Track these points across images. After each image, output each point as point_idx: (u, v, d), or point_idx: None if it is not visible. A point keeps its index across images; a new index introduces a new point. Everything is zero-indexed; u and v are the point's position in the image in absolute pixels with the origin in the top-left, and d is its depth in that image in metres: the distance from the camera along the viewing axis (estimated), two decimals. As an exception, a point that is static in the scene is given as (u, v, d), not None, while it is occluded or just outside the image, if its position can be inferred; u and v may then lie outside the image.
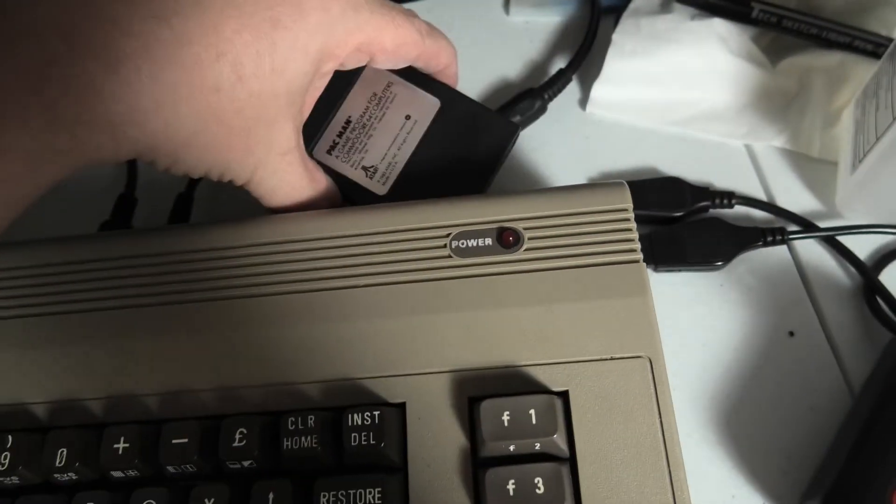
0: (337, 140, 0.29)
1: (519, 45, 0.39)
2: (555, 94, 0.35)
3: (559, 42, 0.39)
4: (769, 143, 0.33)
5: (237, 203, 0.34)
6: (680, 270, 0.29)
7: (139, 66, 0.18)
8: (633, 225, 0.23)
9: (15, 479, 0.21)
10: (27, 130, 0.17)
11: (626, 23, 0.35)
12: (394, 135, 0.29)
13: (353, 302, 0.23)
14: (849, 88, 0.32)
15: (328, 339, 0.22)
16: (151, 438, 0.21)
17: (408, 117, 0.29)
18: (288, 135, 0.23)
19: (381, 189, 0.28)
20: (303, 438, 0.20)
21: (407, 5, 0.40)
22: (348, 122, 0.29)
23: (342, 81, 0.29)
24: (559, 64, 0.38)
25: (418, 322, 0.22)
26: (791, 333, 0.28)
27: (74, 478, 0.21)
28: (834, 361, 0.27)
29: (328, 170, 0.28)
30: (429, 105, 0.29)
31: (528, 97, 0.34)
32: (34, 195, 0.18)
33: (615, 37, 0.34)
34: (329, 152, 0.29)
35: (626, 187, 0.24)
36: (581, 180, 0.33)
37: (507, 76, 0.38)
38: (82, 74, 0.18)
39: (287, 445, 0.20)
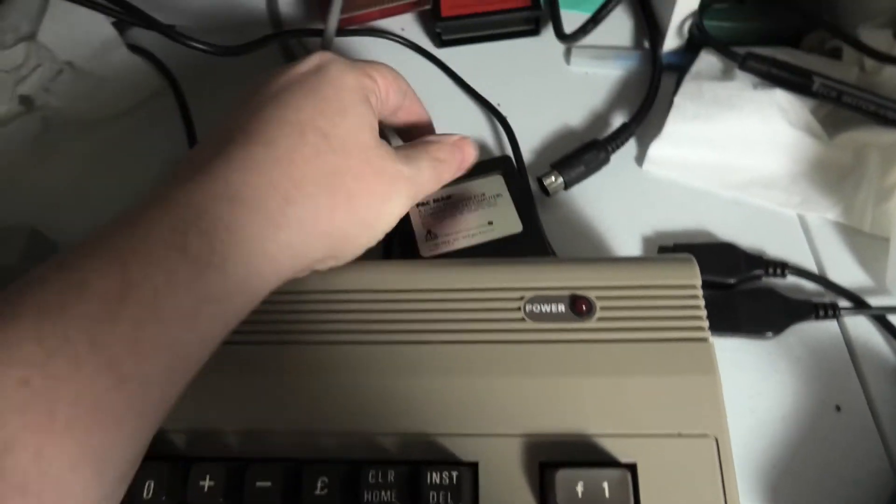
0: (432, 201, 0.33)
1: (579, 95, 0.40)
2: (617, 147, 0.36)
3: (618, 95, 0.40)
4: (822, 214, 0.33)
5: None
6: (731, 336, 0.30)
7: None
8: (702, 302, 0.24)
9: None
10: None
11: (688, 86, 0.36)
12: (470, 227, 0.32)
13: (431, 358, 0.24)
14: (904, 166, 0.33)
15: (405, 393, 0.23)
16: (236, 478, 0.22)
17: (490, 223, 0.32)
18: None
19: (426, 252, 0.31)
20: (382, 492, 0.21)
21: (475, 53, 0.42)
22: (450, 196, 0.33)
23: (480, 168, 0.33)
24: (618, 116, 0.39)
25: (493, 384, 0.23)
26: (838, 408, 0.29)
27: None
28: (878, 439, 0.28)
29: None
30: (511, 224, 0.32)
31: (593, 148, 0.35)
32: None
33: (677, 99, 0.35)
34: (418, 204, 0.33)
35: (694, 263, 0.25)
36: (636, 237, 0.34)
37: (569, 125, 0.39)
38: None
39: (367, 498, 0.21)
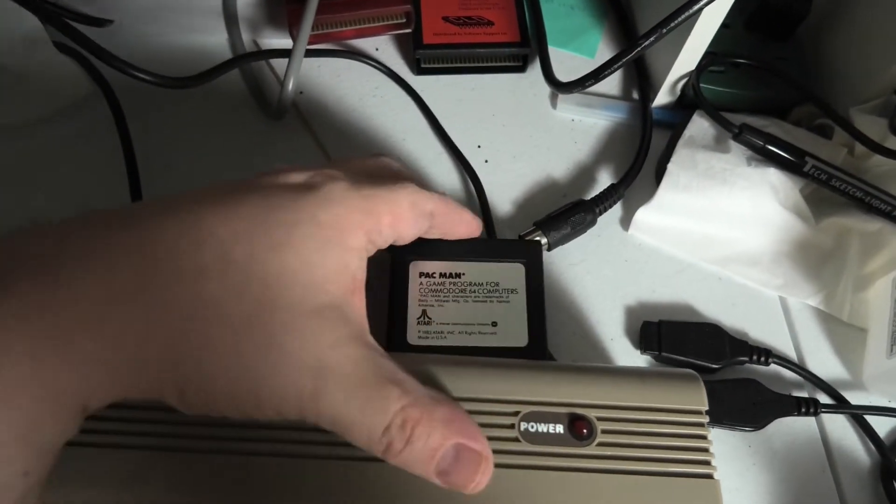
0: (438, 274, 0.30)
1: (564, 143, 0.38)
2: (605, 210, 0.34)
3: (605, 147, 0.38)
4: (804, 300, 0.33)
5: None
6: (713, 426, 0.29)
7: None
8: (709, 431, 0.22)
9: None
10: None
11: (681, 153, 0.34)
12: (471, 322, 0.29)
13: (409, 480, 0.21)
14: (883, 256, 0.33)
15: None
16: None
17: (494, 324, 0.28)
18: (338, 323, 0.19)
19: (413, 338, 0.28)
20: None
21: (454, 84, 0.38)
22: (460, 275, 0.29)
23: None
24: (603, 171, 0.37)
25: (483, 516, 0.21)
26: (812, 510, 0.29)
27: None
28: (850, 545, 0.28)
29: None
30: (516, 334, 0.28)
31: (580, 209, 0.33)
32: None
33: (671, 167, 0.34)
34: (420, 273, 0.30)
35: (701, 385, 0.23)
36: (618, 306, 0.33)
37: (551, 175, 0.37)
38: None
39: None
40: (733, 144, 0.34)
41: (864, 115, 0.34)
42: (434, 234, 0.26)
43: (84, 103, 0.36)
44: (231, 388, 0.18)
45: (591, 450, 0.22)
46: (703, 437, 0.22)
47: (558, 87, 0.37)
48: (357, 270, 0.20)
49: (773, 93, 0.36)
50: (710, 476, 0.22)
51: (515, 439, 0.22)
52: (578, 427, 0.22)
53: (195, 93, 0.36)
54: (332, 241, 0.19)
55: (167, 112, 0.37)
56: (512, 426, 0.22)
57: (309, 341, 0.18)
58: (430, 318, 0.29)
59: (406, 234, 0.23)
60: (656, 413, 0.23)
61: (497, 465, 0.22)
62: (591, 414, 0.22)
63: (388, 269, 0.30)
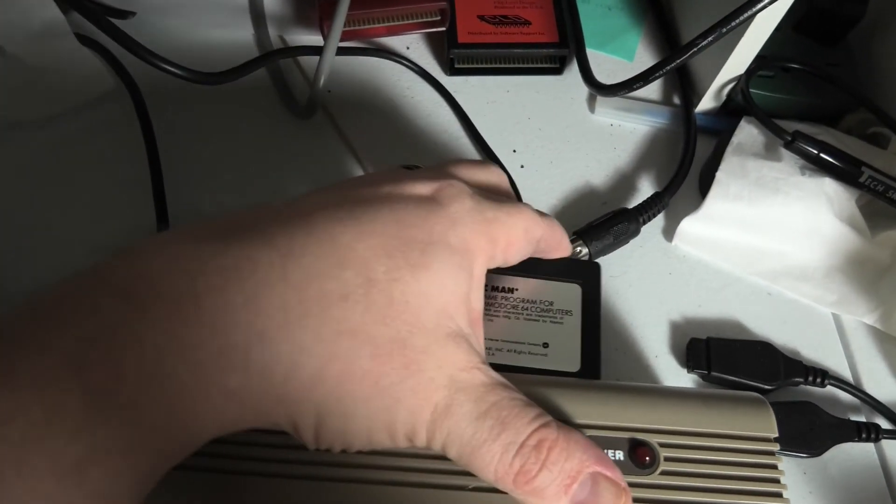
0: (492, 290, 0.28)
1: (603, 148, 0.36)
2: (649, 219, 0.33)
3: (645, 153, 0.36)
4: (859, 318, 0.31)
5: None
6: (765, 453, 0.28)
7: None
8: (780, 461, 0.21)
9: None
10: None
11: (730, 161, 0.32)
12: (522, 341, 0.27)
13: (461, 508, 0.20)
14: (943, 272, 0.31)
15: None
16: None
17: (545, 346, 0.27)
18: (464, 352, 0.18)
19: None
20: None
21: (488, 85, 0.37)
22: (514, 290, 0.28)
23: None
24: (644, 178, 0.35)
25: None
26: (873, 542, 0.27)
27: None
28: (916, 583, 0.26)
29: None
30: (569, 358, 0.27)
31: (623, 219, 0.32)
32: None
33: (720, 175, 0.32)
34: None
35: (770, 410, 0.22)
36: (662, 321, 0.31)
37: (590, 181, 0.35)
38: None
39: None
40: (784, 153, 0.33)
41: (922, 122, 0.32)
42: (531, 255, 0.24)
43: (106, 98, 0.35)
44: (368, 419, 0.17)
45: (653, 479, 0.20)
46: (774, 467, 0.21)
47: (600, 90, 0.35)
48: (476, 301, 0.19)
49: (824, 99, 0.35)
50: (784, 509, 0.20)
51: (572, 466, 0.20)
52: (640, 454, 0.20)
53: (220, 90, 0.34)
54: (462, 267, 0.18)
55: (191, 109, 0.35)
56: (568, 452, 0.20)
57: (445, 364, 0.17)
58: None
59: (514, 259, 0.22)
60: (723, 440, 0.21)
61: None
62: (654, 440, 0.21)
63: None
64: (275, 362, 0.16)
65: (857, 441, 0.28)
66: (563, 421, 0.21)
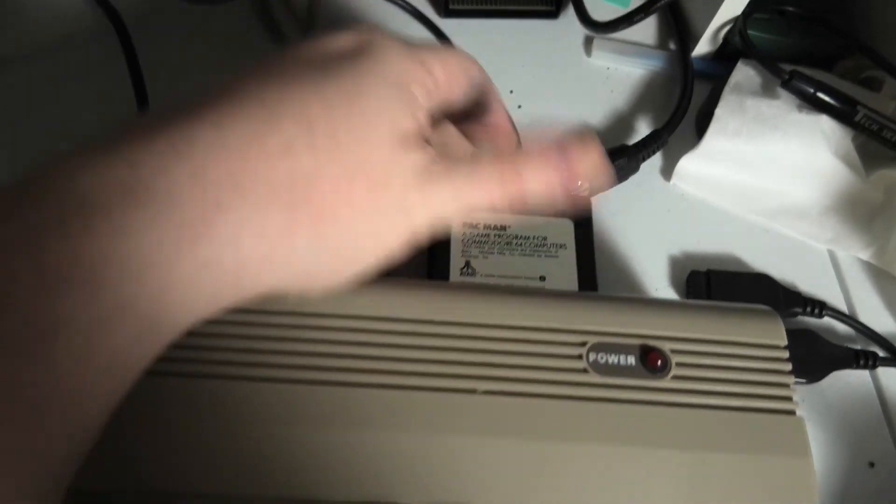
0: (482, 225, 0.28)
1: (600, 91, 0.36)
2: (649, 156, 0.32)
3: (641, 96, 0.36)
4: (853, 253, 0.32)
5: None
6: (765, 381, 0.28)
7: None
8: (790, 366, 0.21)
9: None
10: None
11: (729, 99, 0.32)
12: (517, 275, 0.27)
13: (473, 411, 0.19)
14: (935, 210, 0.31)
15: (441, 454, 0.19)
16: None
17: (542, 279, 0.27)
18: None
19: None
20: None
21: (483, 28, 0.37)
22: (505, 228, 0.28)
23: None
24: (641, 120, 0.35)
25: (550, 449, 0.19)
26: (871, 464, 0.27)
27: None
28: (912, 503, 0.26)
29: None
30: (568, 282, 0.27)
31: (623, 155, 0.31)
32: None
33: (719, 112, 0.32)
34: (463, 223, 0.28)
35: (779, 320, 0.22)
36: (662, 256, 0.31)
37: (588, 122, 0.35)
38: None
39: None
40: (782, 92, 0.33)
41: (916, 63, 0.33)
42: (477, 126, 0.23)
43: (87, 30, 0.33)
44: (354, 246, 0.17)
45: (665, 383, 0.20)
46: (785, 373, 0.21)
47: (596, 28, 0.35)
48: (425, 128, 0.19)
49: (820, 43, 0.35)
50: (793, 412, 0.20)
51: (584, 370, 0.20)
52: (652, 359, 0.20)
53: (209, 29, 0.33)
54: (400, 98, 0.18)
55: (173, 37, 0.34)
56: (580, 357, 0.20)
57: (406, 171, 0.18)
58: (473, 269, 0.27)
59: (456, 96, 0.21)
60: (735, 347, 0.21)
61: (564, 397, 0.20)
62: (665, 346, 0.21)
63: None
64: (238, 228, 0.15)
65: (855, 368, 0.28)
66: (574, 331, 0.21)
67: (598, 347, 0.20)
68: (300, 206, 0.16)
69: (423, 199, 0.18)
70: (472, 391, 0.20)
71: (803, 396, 0.28)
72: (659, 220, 0.32)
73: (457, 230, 0.28)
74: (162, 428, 0.18)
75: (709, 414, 0.20)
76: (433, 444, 0.19)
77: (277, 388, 0.19)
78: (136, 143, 0.15)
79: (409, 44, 0.19)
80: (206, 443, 0.18)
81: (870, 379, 0.29)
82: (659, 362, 0.20)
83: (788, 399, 0.20)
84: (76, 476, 0.14)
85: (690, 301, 0.26)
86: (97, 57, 0.33)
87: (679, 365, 0.20)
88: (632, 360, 0.20)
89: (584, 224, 0.29)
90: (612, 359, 0.20)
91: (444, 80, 0.20)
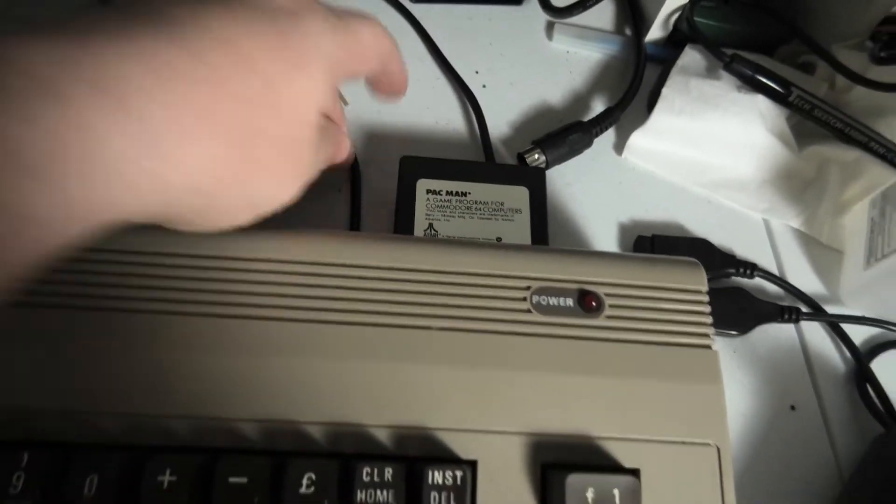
0: (445, 192, 0.31)
1: (560, 73, 0.38)
2: (602, 131, 0.35)
3: (598, 78, 0.39)
4: (786, 222, 0.35)
5: None
6: (701, 334, 0.31)
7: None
8: (709, 308, 0.24)
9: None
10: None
11: (675, 80, 0.35)
12: (475, 236, 0.30)
13: (428, 345, 0.22)
14: (860, 184, 0.34)
15: (399, 381, 0.21)
16: (201, 473, 0.19)
17: (499, 239, 0.30)
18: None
19: None
20: (378, 492, 0.19)
21: (452, 14, 0.39)
22: (466, 194, 0.31)
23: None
24: (597, 100, 0.38)
25: (495, 377, 0.22)
26: (792, 408, 0.30)
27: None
28: (828, 440, 0.29)
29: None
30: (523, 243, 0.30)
31: (578, 130, 0.34)
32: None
33: (666, 91, 0.35)
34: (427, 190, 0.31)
35: (702, 269, 0.24)
36: (612, 223, 0.34)
37: (547, 101, 0.37)
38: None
39: (361, 498, 0.19)
40: (724, 74, 0.36)
41: (846, 50, 0.36)
42: (375, 84, 0.26)
43: None
44: (277, 184, 0.21)
45: (599, 321, 0.23)
46: (704, 314, 0.23)
47: (554, 13, 0.37)
48: (335, 102, 0.23)
49: (762, 30, 0.38)
50: (709, 347, 0.23)
51: (527, 311, 0.23)
52: (588, 300, 0.23)
53: None
54: (327, 72, 0.21)
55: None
56: (524, 299, 0.23)
57: (319, 148, 0.22)
58: (436, 231, 0.29)
59: (361, 70, 0.24)
60: (661, 291, 0.24)
61: (510, 333, 0.22)
62: (600, 290, 0.23)
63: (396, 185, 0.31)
64: (184, 151, 0.17)
65: (780, 322, 0.31)
66: (520, 277, 0.23)
67: (540, 291, 0.23)
68: (238, 147, 0.18)
69: (314, 158, 0.22)
70: (428, 328, 0.22)
71: (735, 347, 0.31)
72: (610, 191, 0.35)
73: (421, 199, 0.30)
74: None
75: (636, 348, 0.22)
76: (394, 372, 0.21)
77: (223, 321, 0.21)
78: (94, 33, 0.16)
79: (335, 15, 0.22)
80: (119, 367, 0.20)
81: (794, 332, 0.32)
82: (594, 303, 0.23)
83: (706, 336, 0.23)
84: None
85: (624, 253, 0.29)
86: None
87: (612, 306, 0.23)
88: (570, 301, 0.23)
89: (538, 191, 0.31)
90: (553, 301, 0.23)
91: (360, 57, 0.23)
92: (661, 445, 0.21)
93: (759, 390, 0.30)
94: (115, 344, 0.21)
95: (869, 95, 0.35)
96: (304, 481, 0.19)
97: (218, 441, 0.20)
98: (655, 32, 0.39)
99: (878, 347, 0.32)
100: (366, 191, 0.33)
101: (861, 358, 0.31)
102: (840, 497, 0.27)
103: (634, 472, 0.21)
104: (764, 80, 0.35)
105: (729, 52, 0.35)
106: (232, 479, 0.19)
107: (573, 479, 0.20)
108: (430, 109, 0.36)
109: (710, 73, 0.36)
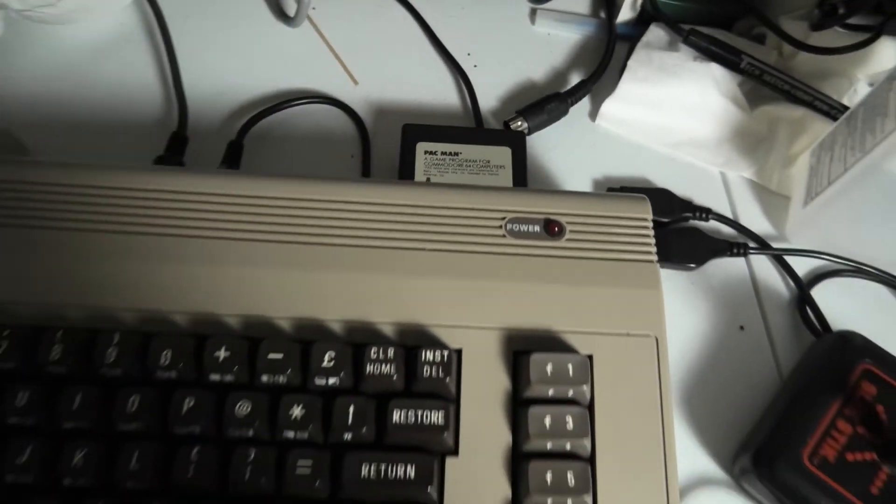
0: (440, 152, 0.36)
1: (542, 53, 0.44)
2: (576, 101, 0.40)
3: (576, 56, 0.44)
4: (740, 173, 0.40)
5: (283, 155, 0.37)
6: (662, 265, 0.36)
7: None
8: (652, 232, 0.29)
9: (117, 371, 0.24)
10: None
11: (639, 53, 0.40)
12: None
13: (423, 261, 0.27)
14: (806, 138, 0.39)
15: (400, 289, 0.27)
16: (250, 351, 0.25)
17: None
18: None
19: None
20: (383, 366, 0.25)
21: (445, 3, 0.44)
22: (458, 154, 0.36)
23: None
24: (575, 75, 0.43)
25: (477, 285, 0.27)
26: (741, 328, 0.35)
27: (175, 376, 0.24)
28: (771, 353, 0.34)
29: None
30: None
31: (555, 100, 0.39)
32: None
33: (631, 63, 0.40)
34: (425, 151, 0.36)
35: (647, 202, 0.30)
36: (587, 179, 0.39)
37: (531, 78, 0.43)
38: None
39: (369, 370, 0.25)
40: (683, 47, 0.41)
41: (791, 21, 0.41)
42: None
43: (125, 11, 0.42)
44: None
45: (561, 243, 0.28)
46: (648, 237, 0.29)
47: (536, 0, 0.43)
48: None
49: (718, 7, 0.43)
50: (652, 262, 0.28)
51: (503, 236, 0.28)
52: (551, 227, 0.28)
53: (226, 9, 0.41)
54: None
55: (201, 17, 0.42)
56: (500, 227, 0.28)
57: None
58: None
59: None
60: (613, 220, 0.29)
61: (487, 253, 0.28)
62: (562, 219, 0.29)
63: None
64: None
65: (731, 255, 0.36)
66: (496, 210, 0.29)
67: (513, 220, 0.28)
68: None
69: None
70: (423, 249, 0.28)
71: (692, 279, 0.36)
72: (585, 152, 0.40)
73: (420, 157, 0.36)
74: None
75: (591, 263, 0.28)
76: (396, 282, 0.27)
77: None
78: None
79: None
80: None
81: (745, 266, 0.37)
82: (556, 229, 0.28)
83: (649, 253, 0.28)
84: None
85: (583, 190, 0.34)
86: (133, 26, 0.41)
87: (572, 231, 0.28)
88: (537, 228, 0.28)
89: (519, 150, 0.37)
90: (523, 227, 0.28)
91: None
92: (611, 337, 0.27)
93: (713, 314, 0.35)
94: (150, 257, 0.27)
95: (812, 60, 0.40)
96: (326, 358, 0.25)
97: (263, 333, 0.26)
98: (625, 14, 0.44)
99: (818, 277, 0.36)
100: (374, 155, 0.38)
101: (802, 286, 0.36)
102: (777, 394, 0.32)
103: (589, 357, 0.26)
104: (717, 51, 0.40)
105: (687, 27, 0.40)
106: (271, 356, 0.25)
107: (536, 357, 0.25)
108: (428, 87, 0.42)
109: (671, 46, 0.41)
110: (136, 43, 0.41)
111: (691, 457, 0.32)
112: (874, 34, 0.38)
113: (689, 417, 0.33)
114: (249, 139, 0.38)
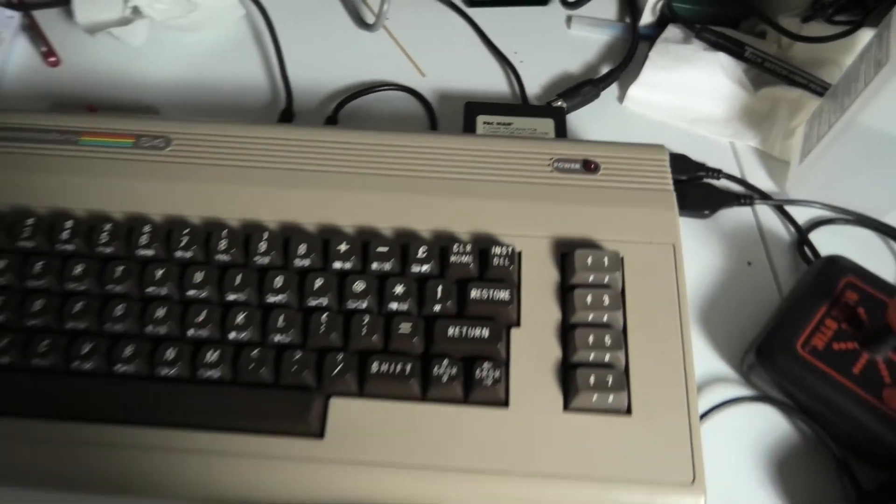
0: (496, 122, 0.45)
1: (576, 51, 0.53)
2: (606, 86, 0.49)
3: (606, 53, 0.53)
4: (747, 143, 0.47)
5: (373, 124, 0.46)
6: (682, 216, 0.43)
7: None
8: (668, 169, 0.37)
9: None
10: None
11: (659, 46, 0.49)
12: None
13: (493, 189, 0.35)
14: (803, 114, 0.47)
15: (476, 209, 0.35)
16: (363, 246, 0.33)
17: None
18: None
19: None
20: (462, 257, 0.33)
21: (496, 14, 0.54)
22: (510, 124, 0.44)
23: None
24: (605, 68, 0.52)
25: (533, 206, 0.35)
26: (749, 263, 0.42)
27: (308, 264, 0.33)
28: (774, 283, 0.41)
29: None
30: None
31: (589, 84, 0.48)
32: None
33: (651, 54, 0.48)
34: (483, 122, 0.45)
35: (665, 148, 0.37)
36: (616, 151, 0.47)
37: (568, 71, 0.51)
38: None
39: (452, 261, 0.33)
40: (695, 41, 0.49)
41: (787, 18, 0.49)
42: None
43: (241, 22, 0.52)
44: None
45: (597, 177, 0.36)
46: (665, 172, 0.36)
47: (568, 6, 0.52)
48: None
49: (727, 9, 0.51)
50: (669, 190, 0.36)
51: (551, 172, 0.36)
52: (589, 165, 0.36)
53: (319, 17, 0.51)
54: None
55: (301, 25, 0.52)
56: (549, 165, 0.36)
57: None
58: None
59: None
60: (639, 160, 0.37)
61: (541, 184, 0.36)
62: (598, 160, 0.37)
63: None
64: None
65: (739, 205, 0.43)
66: (546, 153, 0.37)
67: (558, 160, 0.37)
68: None
69: None
70: (492, 180, 0.36)
71: (706, 225, 0.44)
72: (615, 130, 0.48)
73: (479, 126, 0.44)
74: None
75: (623, 191, 0.36)
76: (470, 204, 0.35)
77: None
78: None
79: None
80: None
81: (752, 215, 0.44)
82: (592, 166, 0.36)
83: (667, 184, 0.36)
84: None
85: (615, 140, 0.42)
86: (247, 34, 0.51)
87: (605, 169, 0.36)
88: (577, 166, 0.36)
89: (561, 122, 0.45)
90: (567, 165, 0.36)
91: None
92: (637, 244, 0.34)
93: (725, 253, 0.43)
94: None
95: (806, 50, 0.48)
96: (420, 251, 0.33)
97: (372, 238, 0.34)
98: (646, 18, 0.52)
99: (814, 224, 0.43)
100: (441, 129, 0.47)
101: (801, 230, 0.43)
102: (777, 307, 0.39)
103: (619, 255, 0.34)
104: (724, 43, 0.48)
105: (698, 26, 0.49)
106: (380, 249, 0.33)
107: (579, 252, 0.33)
108: (482, 78, 0.51)
109: (685, 41, 0.49)
110: (249, 45, 0.51)
111: (707, 361, 0.39)
112: (856, 25, 0.45)
113: (705, 330, 0.40)
114: (341, 118, 0.47)
